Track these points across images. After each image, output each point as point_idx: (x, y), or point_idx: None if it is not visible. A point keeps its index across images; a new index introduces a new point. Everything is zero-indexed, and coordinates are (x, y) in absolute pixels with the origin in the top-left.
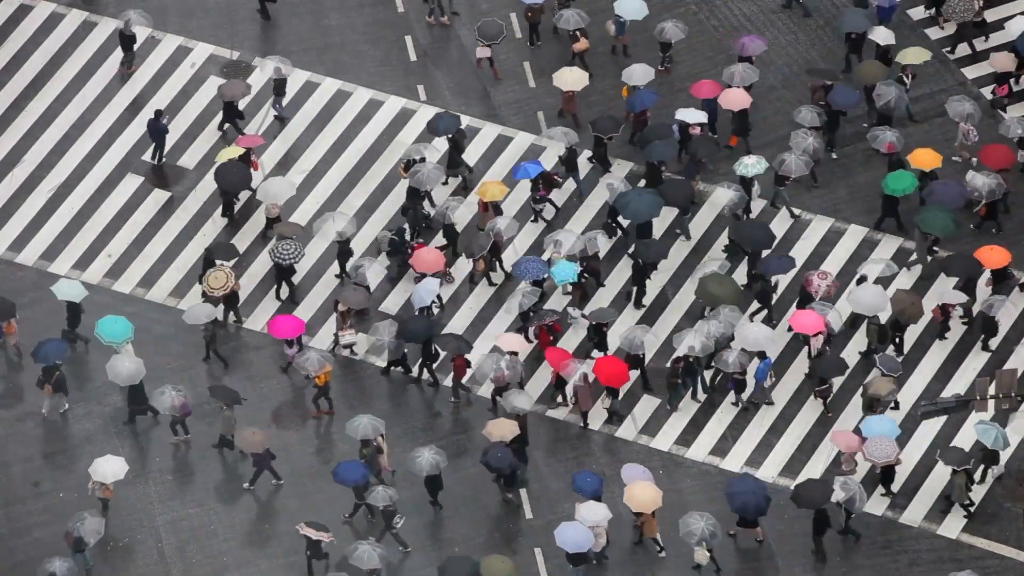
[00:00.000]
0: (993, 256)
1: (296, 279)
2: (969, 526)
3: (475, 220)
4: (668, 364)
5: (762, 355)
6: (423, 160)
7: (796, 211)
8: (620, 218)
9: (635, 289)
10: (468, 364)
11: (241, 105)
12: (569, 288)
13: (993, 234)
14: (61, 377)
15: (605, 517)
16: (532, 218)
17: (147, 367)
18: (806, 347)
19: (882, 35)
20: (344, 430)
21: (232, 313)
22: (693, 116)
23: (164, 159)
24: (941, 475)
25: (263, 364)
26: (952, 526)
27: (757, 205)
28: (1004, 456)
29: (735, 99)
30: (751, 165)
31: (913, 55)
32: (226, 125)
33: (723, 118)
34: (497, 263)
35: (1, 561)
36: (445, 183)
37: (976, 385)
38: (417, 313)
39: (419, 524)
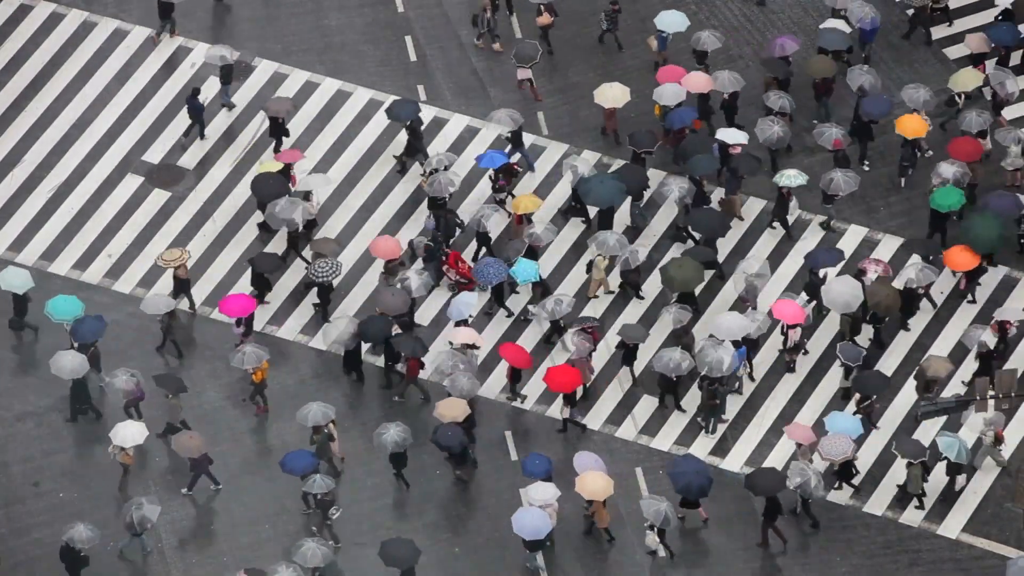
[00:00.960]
0: (961, 258)
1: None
2: (969, 526)
3: (509, 230)
4: (701, 385)
5: (737, 344)
6: (446, 168)
7: (835, 225)
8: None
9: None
10: (422, 365)
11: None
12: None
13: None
14: (97, 354)
15: (554, 495)
16: (496, 205)
17: (146, 367)
18: (782, 337)
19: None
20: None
21: (186, 298)
22: (733, 136)
23: (205, 135)
24: (941, 475)
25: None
26: (952, 526)
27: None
28: (983, 461)
29: (696, 83)
30: (792, 176)
31: (965, 79)
32: (259, 137)
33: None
34: None
35: (1, 561)
36: (424, 174)
37: (976, 385)
38: (455, 324)
39: (419, 524)
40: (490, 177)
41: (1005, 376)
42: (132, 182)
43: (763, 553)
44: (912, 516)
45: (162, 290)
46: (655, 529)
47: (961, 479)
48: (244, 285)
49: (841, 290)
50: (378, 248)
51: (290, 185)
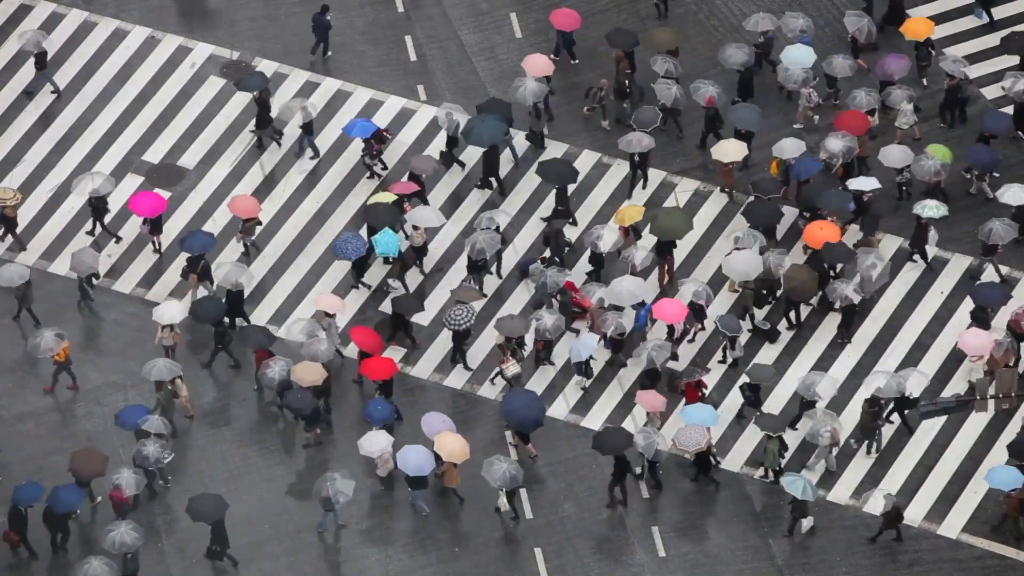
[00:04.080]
0: (824, 233)
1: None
2: (969, 526)
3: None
4: (866, 408)
5: (641, 304)
6: (497, 229)
7: (1003, 273)
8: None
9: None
10: (270, 355)
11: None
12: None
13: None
14: (207, 266)
15: (388, 442)
16: (367, 175)
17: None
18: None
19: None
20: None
21: (11, 235)
22: (865, 184)
23: (330, 53)
24: (941, 475)
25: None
26: (952, 526)
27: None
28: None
29: (538, 66)
30: (932, 208)
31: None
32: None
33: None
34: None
35: (1, 560)
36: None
37: (976, 385)
38: (574, 363)
39: (418, 524)
40: (363, 151)
41: (1005, 376)
42: (132, 182)
43: (764, 553)
44: (912, 516)
45: (163, 290)
46: (504, 491)
47: (807, 521)
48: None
49: (741, 260)
50: (236, 206)
51: (403, 216)
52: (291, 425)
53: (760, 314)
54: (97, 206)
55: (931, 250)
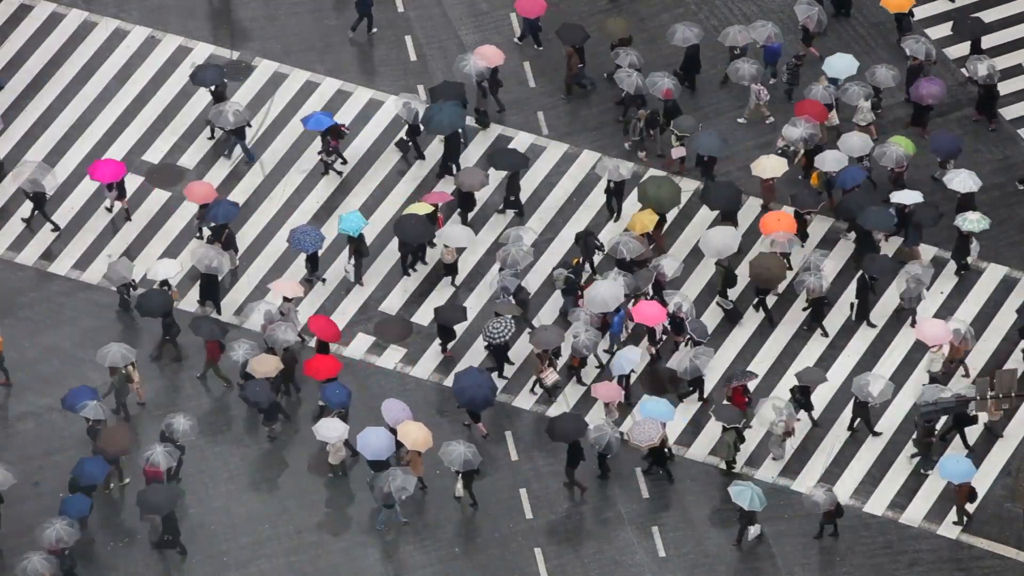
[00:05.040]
0: (781, 223)
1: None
2: (969, 526)
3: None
4: (920, 422)
5: (616, 309)
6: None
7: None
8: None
9: (857, 303)
10: (222, 348)
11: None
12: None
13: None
14: (231, 235)
15: (344, 431)
16: (323, 171)
17: (146, 367)
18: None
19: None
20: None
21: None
22: (908, 197)
23: (375, 29)
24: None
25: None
26: (952, 526)
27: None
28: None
29: (489, 55)
30: (974, 221)
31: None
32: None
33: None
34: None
35: (1, 561)
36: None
37: (976, 385)
38: (615, 379)
39: (419, 524)
40: (322, 145)
41: (1005, 376)
42: (132, 182)
43: (764, 553)
44: (912, 516)
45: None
46: (460, 475)
47: (754, 529)
48: (244, 283)
49: (718, 236)
50: (192, 193)
51: (436, 227)
52: (290, 425)
53: (733, 295)
54: (37, 196)
55: (928, 251)
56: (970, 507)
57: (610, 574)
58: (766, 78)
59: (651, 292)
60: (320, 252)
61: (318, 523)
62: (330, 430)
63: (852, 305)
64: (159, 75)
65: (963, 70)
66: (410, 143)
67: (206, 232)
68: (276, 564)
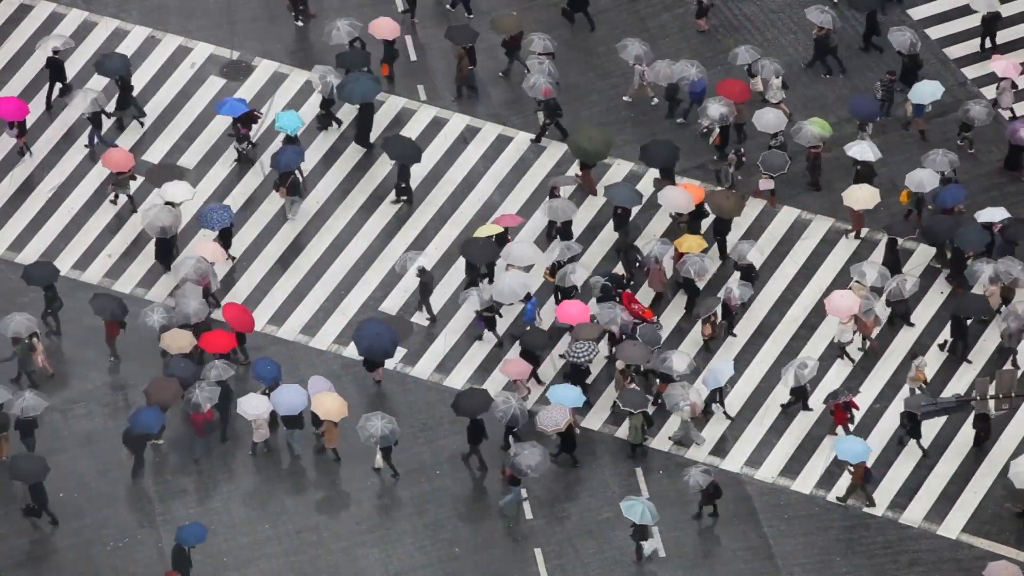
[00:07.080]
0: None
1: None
2: (969, 526)
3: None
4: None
5: (527, 296)
6: (572, 260)
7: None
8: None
9: (956, 342)
10: (123, 325)
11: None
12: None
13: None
14: (296, 180)
15: (267, 409)
16: (235, 158)
17: (145, 368)
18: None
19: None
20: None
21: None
22: (996, 215)
23: (415, 19)
24: (941, 475)
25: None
26: (952, 526)
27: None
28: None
29: (384, 28)
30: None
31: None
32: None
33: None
34: (726, 326)
35: (2, 561)
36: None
37: (976, 385)
38: (710, 390)
39: (419, 524)
40: (232, 132)
41: (1005, 376)
42: (132, 182)
43: (764, 553)
44: (912, 516)
45: (163, 290)
46: (381, 450)
47: (647, 545)
48: (244, 284)
49: (678, 192)
50: (109, 160)
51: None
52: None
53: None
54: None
55: (928, 252)
56: (869, 488)
57: (610, 574)
58: (642, 59)
59: (719, 315)
60: (231, 227)
61: (318, 523)
62: (253, 407)
63: (945, 343)
64: (159, 75)
65: (814, 21)
66: (324, 112)
67: (122, 198)
68: (276, 564)
